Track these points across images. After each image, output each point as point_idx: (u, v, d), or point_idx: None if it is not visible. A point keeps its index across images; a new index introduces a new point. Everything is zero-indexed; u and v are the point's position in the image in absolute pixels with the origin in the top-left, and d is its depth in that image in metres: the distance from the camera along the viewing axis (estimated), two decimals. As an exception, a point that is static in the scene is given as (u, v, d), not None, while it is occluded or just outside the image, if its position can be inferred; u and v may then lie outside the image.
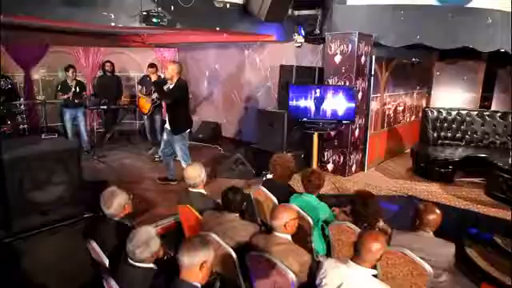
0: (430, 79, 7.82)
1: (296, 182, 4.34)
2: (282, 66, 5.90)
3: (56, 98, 6.70)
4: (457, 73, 7.66)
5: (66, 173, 3.20)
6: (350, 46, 5.25)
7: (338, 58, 5.40)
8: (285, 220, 2.50)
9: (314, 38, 6.30)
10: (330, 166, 5.80)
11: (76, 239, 3.04)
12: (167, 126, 4.98)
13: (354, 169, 5.77)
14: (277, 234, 2.55)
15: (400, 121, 6.90)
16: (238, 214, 2.88)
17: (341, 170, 5.65)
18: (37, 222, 3.03)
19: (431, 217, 2.63)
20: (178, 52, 8.97)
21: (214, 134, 8.02)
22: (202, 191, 3.31)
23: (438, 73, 7.83)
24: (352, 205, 3.02)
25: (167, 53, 8.85)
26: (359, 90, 5.40)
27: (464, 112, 6.23)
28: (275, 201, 3.64)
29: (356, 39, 5.16)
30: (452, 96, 7.68)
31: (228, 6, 5.32)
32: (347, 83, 5.35)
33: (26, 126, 6.98)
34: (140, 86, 6.70)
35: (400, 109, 6.82)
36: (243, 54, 7.65)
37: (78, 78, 6.80)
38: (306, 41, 6.44)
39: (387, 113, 6.36)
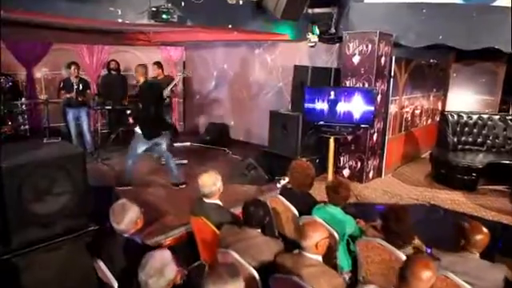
0: (447, 81, 7.53)
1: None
2: (296, 67, 5.63)
3: (59, 97, 6.43)
4: (474, 74, 7.37)
5: (70, 181, 2.91)
6: (369, 46, 4.97)
7: (356, 59, 5.12)
8: (316, 240, 2.23)
9: (329, 38, 6.03)
10: (345, 172, 5.52)
11: (80, 255, 2.78)
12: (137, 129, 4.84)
13: (371, 175, 5.49)
14: (306, 254, 2.28)
15: (417, 124, 6.61)
16: (259, 230, 2.61)
17: (358, 176, 5.37)
18: (37, 235, 2.74)
19: (479, 237, 2.36)
20: (185, 51, 8.71)
21: (221, 135, 7.74)
22: (218, 202, 3.03)
23: (454, 74, 7.54)
24: (384, 220, 2.74)
25: (174, 51, 8.59)
26: (378, 93, 5.12)
27: (485, 116, 5.93)
28: (295, 212, 3.38)
29: (376, 39, 4.88)
30: (469, 99, 7.40)
31: (241, 2, 5.04)
32: (366, 85, 5.07)
33: (27, 126, 6.70)
34: None
35: (417, 112, 6.53)
36: (253, 53, 7.38)
37: (82, 76, 6.54)
38: (320, 40, 6.16)
39: (405, 116, 6.08)
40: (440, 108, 7.50)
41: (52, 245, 2.75)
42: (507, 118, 5.86)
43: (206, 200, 2.99)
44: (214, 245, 2.83)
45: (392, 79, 5.35)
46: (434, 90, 7.08)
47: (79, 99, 6.24)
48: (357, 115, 4.97)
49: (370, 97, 4.89)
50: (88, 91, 6.43)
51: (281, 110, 5.83)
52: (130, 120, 6.18)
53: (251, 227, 2.57)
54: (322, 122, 5.11)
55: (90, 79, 7.59)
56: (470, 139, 5.85)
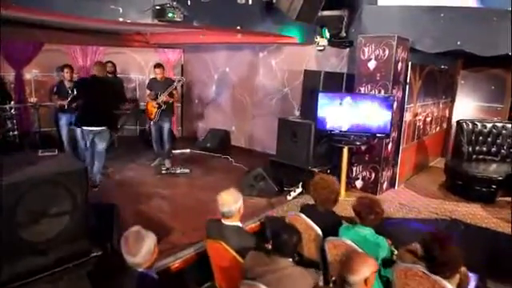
0: (454, 88, 7.33)
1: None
2: (306, 71, 5.34)
3: (51, 101, 6.02)
4: (482, 81, 7.18)
5: (70, 200, 2.57)
6: (386, 51, 4.71)
7: (372, 64, 4.85)
8: (366, 275, 1.93)
9: (339, 42, 5.75)
10: (358, 183, 5.24)
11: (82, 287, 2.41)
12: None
13: (384, 186, 5.22)
14: (352, 291, 1.96)
15: (427, 133, 6.38)
16: (291, 259, 2.28)
17: (372, 187, 5.09)
18: (33, 265, 2.38)
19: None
20: (183, 53, 8.35)
21: (222, 142, 7.40)
22: (239, 224, 2.70)
23: (462, 81, 7.35)
24: (426, 249, 2.43)
25: (172, 54, 8.23)
26: (394, 100, 4.86)
27: (499, 124, 5.73)
28: (319, 232, 3.08)
29: (395, 43, 4.62)
30: (476, 106, 7.21)
31: (250, 1, 4.73)
32: (382, 92, 4.80)
33: (16, 132, 6.25)
34: (148, 91, 6.05)
35: (428, 120, 6.31)
36: (257, 56, 7.07)
37: (76, 80, 6.14)
38: (329, 44, 5.88)
39: (417, 124, 5.83)
40: (447, 115, 7.30)
41: (49, 276, 2.39)
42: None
43: (226, 222, 2.65)
44: (235, 273, 2.51)
45: (408, 86, 5.10)
46: (444, 97, 6.88)
47: (73, 105, 5.84)
48: (373, 124, 4.71)
49: (387, 105, 4.64)
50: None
51: (290, 118, 5.52)
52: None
53: (282, 256, 2.25)
54: (335, 131, 4.83)
55: (84, 82, 7.17)
56: (485, 149, 5.63)
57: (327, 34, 5.71)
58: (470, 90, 7.30)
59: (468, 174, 5.07)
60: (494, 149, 5.65)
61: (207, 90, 8.08)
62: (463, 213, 4.65)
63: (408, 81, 5.09)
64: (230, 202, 2.60)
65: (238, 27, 4.85)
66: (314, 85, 5.18)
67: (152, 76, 6.37)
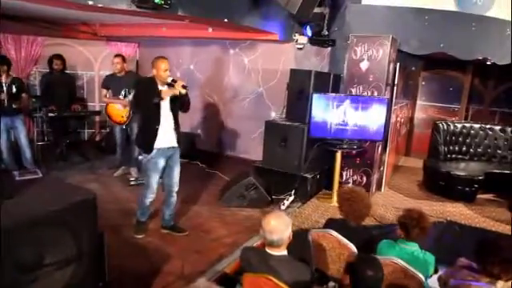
0: (416, 89, 7.59)
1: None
2: (293, 71, 5.00)
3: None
4: (441, 83, 7.55)
5: (75, 243, 1.91)
6: (380, 51, 4.57)
7: (364, 65, 4.68)
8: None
9: (321, 40, 5.52)
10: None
11: None
12: None
13: (374, 189, 5.12)
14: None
15: (401, 133, 6.47)
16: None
17: (363, 191, 4.93)
18: None
19: None
20: (138, 48, 7.51)
21: (188, 147, 6.74)
22: (286, 253, 2.26)
23: (423, 82, 7.64)
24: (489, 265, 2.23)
25: (125, 48, 7.34)
26: (389, 102, 4.75)
27: (477, 126, 5.93)
28: (354, 250, 2.75)
29: (389, 44, 4.50)
30: (435, 107, 7.56)
31: (239, -8, 4.27)
32: (375, 93, 4.66)
33: None
34: (105, 90, 5.17)
35: (401, 120, 6.39)
36: (227, 53, 6.57)
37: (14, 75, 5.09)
38: (310, 42, 5.63)
39: (396, 125, 5.86)
40: (410, 116, 7.53)
41: None
42: (487, 127, 5.97)
43: (273, 251, 2.19)
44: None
45: (395, 87, 5.04)
46: (411, 97, 7.06)
47: (13, 105, 4.82)
48: (368, 127, 4.55)
49: (382, 107, 4.50)
50: (24, 94, 5.01)
51: (278, 120, 5.14)
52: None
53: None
54: (328, 135, 4.58)
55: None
56: (459, 148, 5.85)
57: (310, 32, 5.46)
58: (430, 91, 7.63)
59: (450, 175, 5.17)
60: (467, 148, 5.88)
61: (168, 89, 7.35)
62: (454, 213, 4.72)
63: (396, 82, 5.04)
64: (282, 228, 2.15)
65: (226, 20, 4.33)
66: (302, 85, 4.87)
67: (108, 73, 5.47)
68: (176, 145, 3.61)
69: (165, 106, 3.48)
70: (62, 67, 5.75)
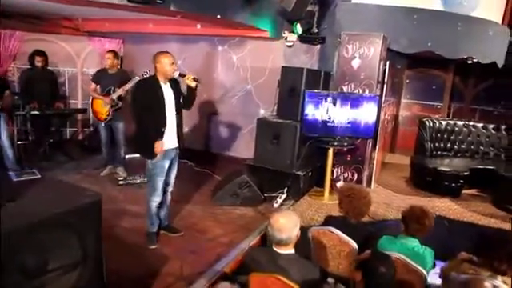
0: (401, 87, 7.73)
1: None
2: (285, 68, 4.98)
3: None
4: (424, 81, 7.72)
5: (79, 246, 1.84)
6: (372, 49, 4.62)
7: (356, 62, 4.72)
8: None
9: (310, 38, 5.53)
10: (339, 185, 5.09)
11: None
12: None
13: (364, 186, 5.16)
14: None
15: (387, 131, 6.58)
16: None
17: (355, 188, 4.98)
18: None
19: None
20: (123, 44, 7.32)
21: (177, 145, 6.65)
22: (293, 251, 2.24)
23: (407, 80, 7.79)
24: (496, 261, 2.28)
25: (109, 44, 7.13)
26: (380, 100, 4.81)
27: (460, 123, 6.09)
28: (355, 247, 2.78)
29: (380, 42, 4.54)
30: (419, 104, 7.73)
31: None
32: (367, 91, 4.71)
33: None
34: (94, 85, 5.02)
35: (388, 118, 6.49)
36: (216, 49, 6.49)
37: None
38: (299, 40, 5.64)
39: (384, 123, 5.94)
40: (395, 113, 7.66)
41: None
42: (470, 124, 6.14)
43: (281, 250, 2.17)
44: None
45: (385, 85, 5.11)
46: (396, 95, 7.18)
47: None
48: (360, 124, 4.59)
49: (374, 104, 4.55)
50: (7, 92, 4.79)
51: (269, 118, 5.11)
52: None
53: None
54: (321, 132, 4.59)
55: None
56: (444, 145, 5.99)
57: (299, 30, 5.45)
58: (414, 89, 7.79)
59: (437, 171, 5.29)
60: (453, 145, 6.03)
61: (154, 87, 7.20)
62: (442, 208, 4.82)
63: (386, 80, 5.10)
64: (290, 226, 2.13)
65: (219, 16, 4.27)
66: (294, 83, 4.86)
67: (92, 70, 5.32)
68: (177, 144, 3.48)
69: (170, 106, 3.31)
70: (44, 64, 5.53)
